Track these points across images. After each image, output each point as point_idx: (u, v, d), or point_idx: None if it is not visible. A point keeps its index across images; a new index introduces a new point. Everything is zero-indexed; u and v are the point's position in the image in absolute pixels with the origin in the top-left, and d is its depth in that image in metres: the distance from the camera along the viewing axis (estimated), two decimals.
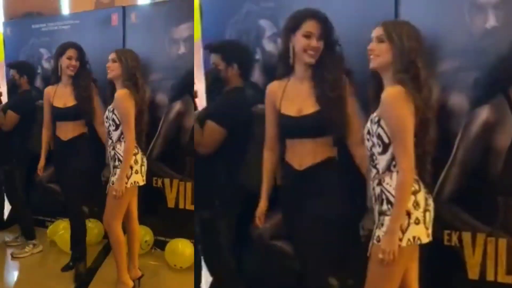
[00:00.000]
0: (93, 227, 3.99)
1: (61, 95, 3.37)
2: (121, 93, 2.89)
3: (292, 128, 2.29)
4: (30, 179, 4.22)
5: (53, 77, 3.43)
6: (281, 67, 2.37)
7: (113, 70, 2.93)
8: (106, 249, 3.80)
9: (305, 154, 2.27)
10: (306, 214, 2.27)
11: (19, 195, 3.95)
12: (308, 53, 2.25)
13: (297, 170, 2.30)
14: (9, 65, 4.16)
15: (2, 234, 4.31)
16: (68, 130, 3.38)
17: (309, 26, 2.25)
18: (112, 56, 2.95)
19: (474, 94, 2.36)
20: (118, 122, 2.90)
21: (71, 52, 3.34)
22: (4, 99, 4.28)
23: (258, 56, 2.76)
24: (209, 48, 2.80)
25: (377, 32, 1.97)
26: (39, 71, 4.32)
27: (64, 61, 3.35)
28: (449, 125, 2.35)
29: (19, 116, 3.92)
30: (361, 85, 2.25)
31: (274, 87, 2.36)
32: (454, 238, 2.43)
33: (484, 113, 2.33)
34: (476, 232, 2.42)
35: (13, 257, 3.81)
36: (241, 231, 2.82)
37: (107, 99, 3.08)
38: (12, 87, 4.13)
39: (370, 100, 2.03)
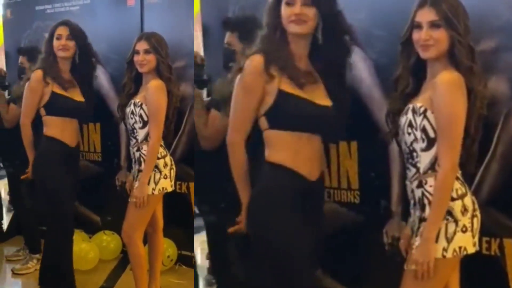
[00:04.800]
0: (109, 240, 3.72)
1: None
2: (156, 84, 2.65)
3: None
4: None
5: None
6: None
7: (148, 62, 2.65)
8: (123, 264, 3.60)
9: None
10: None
11: (24, 202, 3.69)
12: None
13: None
14: (19, 51, 3.90)
15: (1, 247, 4.05)
16: None
17: None
18: (143, 45, 2.65)
19: None
20: (146, 119, 2.66)
21: (60, 31, 2.91)
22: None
23: None
24: (224, 25, 2.58)
25: (427, 15, 1.78)
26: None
27: (54, 43, 2.91)
28: (487, 114, 2.05)
29: None
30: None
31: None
32: (494, 246, 2.28)
33: None
34: None
35: (14, 273, 3.51)
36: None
37: (128, 91, 2.78)
38: (21, 75, 3.81)
39: (405, 88, 1.88)
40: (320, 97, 1.92)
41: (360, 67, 2.24)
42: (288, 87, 1.85)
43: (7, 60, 4.31)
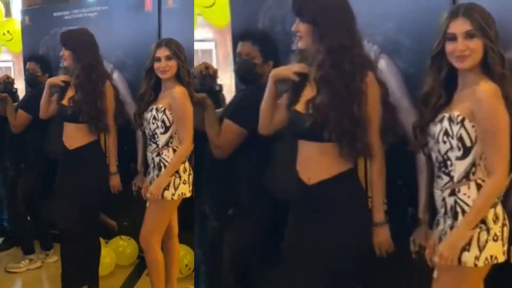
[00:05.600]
0: (125, 246, 3.68)
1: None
2: (181, 90, 2.63)
3: (297, 126, 2.00)
4: (46, 187, 3.82)
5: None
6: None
7: (170, 69, 2.62)
8: (139, 269, 3.57)
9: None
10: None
11: (19, 205, 3.71)
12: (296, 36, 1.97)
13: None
14: (29, 58, 3.84)
15: None
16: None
17: None
18: (164, 52, 2.61)
19: None
20: (168, 124, 2.64)
21: (61, 41, 2.95)
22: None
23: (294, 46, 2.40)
24: (248, 37, 2.47)
25: (462, 26, 1.76)
26: (61, 65, 3.87)
27: None
28: None
29: (30, 117, 3.58)
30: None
31: None
32: None
33: None
34: None
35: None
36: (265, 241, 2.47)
37: (147, 99, 2.72)
38: (32, 82, 3.78)
39: (437, 101, 1.85)
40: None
41: (388, 76, 2.20)
42: None
43: (25, 67, 4.31)
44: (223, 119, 2.41)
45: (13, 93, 3.79)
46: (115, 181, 2.98)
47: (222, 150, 2.37)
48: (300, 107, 1.95)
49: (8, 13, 5.28)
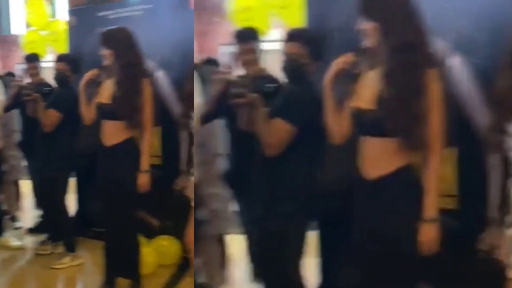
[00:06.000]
0: (167, 245, 3.65)
1: (106, 89, 3.00)
2: None
3: (359, 122, 2.04)
4: (83, 185, 3.99)
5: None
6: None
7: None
8: (182, 270, 3.50)
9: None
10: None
11: (60, 205, 3.71)
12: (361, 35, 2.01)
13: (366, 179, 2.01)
14: (58, 58, 3.86)
15: None
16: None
17: None
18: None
19: None
20: None
21: (101, 41, 2.96)
22: None
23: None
24: (295, 37, 2.46)
25: None
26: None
27: None
28: None
29: (61, 115, 3.60)
30: None
31: None
32: None
33: None
34: None
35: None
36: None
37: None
38: (61, 82, 3.78)
39: None
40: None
41: (461, 73, 2.17)
42: None
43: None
44: (272, 117, 2.40)
45: (46, 94, 3.77)
46: (143, 179, 2.90)
47: (274, 148, 2.38)
48: (361, 103, 1.97)
49: (54, 14, 5.38)
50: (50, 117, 3.59)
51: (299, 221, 2.42)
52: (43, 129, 3.65)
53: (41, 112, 3.64)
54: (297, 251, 2.43)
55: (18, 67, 4.89)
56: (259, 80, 2.69)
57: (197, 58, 3.12)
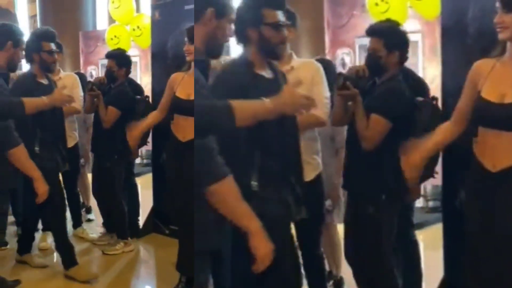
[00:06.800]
0: None
1: (186, 84, 2.98)
2: None
3: (488, 115, 2.08)
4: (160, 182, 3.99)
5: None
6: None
7: None
8: None
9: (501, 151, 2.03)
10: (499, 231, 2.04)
11: (117, 192, 3.85)
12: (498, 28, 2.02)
13: (490, 171, 2.07)
14: (106, 56, 3.91)
15: (137, 243, 4.14)
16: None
17: None
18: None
19: None
20: None
21: (187, 36, 3.00)
22: None
23: None
24: (371, 33, 2.57)
25: None
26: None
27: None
28: None
29: (120, 112, 3.72)
30: None
31: (481, 65, 2.16)
32: None
33: None
34: None
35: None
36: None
37: None
38: (110, 78, 3.86)
39: None
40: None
41: None
42: None
43: (152, 62, 4.34)
44: (369, 113, 2.51)
45: (106, 92, 3.82)
46: None
47: (371, 142, 2.48)
48: (491, 96, 2.02)
49: (138, 9, 5.38)
50: (110, 114, 3.69)
51: (389, 209, 2.52)
52: (103, 125, 3.74)
53: (101, 109, 3.72)
54: (388, 237, 2.52)
55: (102, 63, 4.94)
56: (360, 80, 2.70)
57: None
